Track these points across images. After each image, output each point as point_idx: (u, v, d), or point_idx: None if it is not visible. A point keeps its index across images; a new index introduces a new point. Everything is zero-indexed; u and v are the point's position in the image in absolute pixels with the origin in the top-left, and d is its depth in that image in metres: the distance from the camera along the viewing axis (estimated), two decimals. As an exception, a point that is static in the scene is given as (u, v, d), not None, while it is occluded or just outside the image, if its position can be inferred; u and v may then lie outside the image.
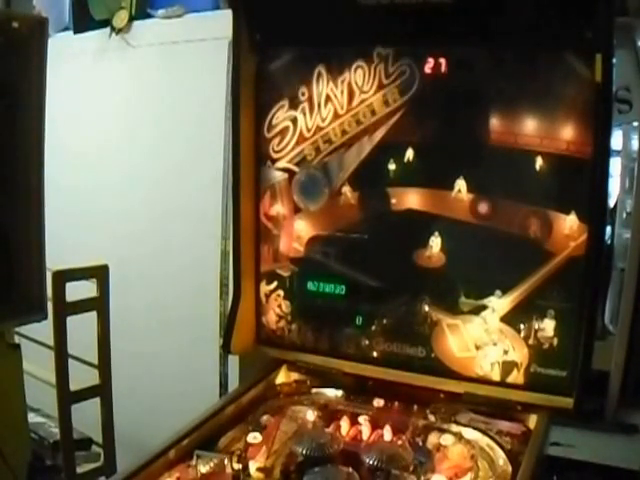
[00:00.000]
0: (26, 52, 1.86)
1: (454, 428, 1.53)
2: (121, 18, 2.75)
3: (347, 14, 1.60)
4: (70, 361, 2.23)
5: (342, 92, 1.68)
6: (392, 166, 1.66)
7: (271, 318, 1.84)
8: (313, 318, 1.80)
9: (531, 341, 1.56)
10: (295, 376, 1.81)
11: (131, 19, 2.76)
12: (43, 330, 2.15)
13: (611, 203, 1.98)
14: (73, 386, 2.23)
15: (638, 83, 1.87)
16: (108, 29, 2.80)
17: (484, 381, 1.61)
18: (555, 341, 1.54)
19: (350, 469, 1.35)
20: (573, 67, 1.47)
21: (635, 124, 1.92)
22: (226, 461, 1.38)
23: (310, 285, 1.79)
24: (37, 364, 2.31)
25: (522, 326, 1.57)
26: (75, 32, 2.95)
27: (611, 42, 1.41)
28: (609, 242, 1.95)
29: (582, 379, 1.49)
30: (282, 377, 1.81)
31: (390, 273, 1.71)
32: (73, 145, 2.90)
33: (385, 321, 1.71)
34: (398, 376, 1.67)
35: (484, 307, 1.60)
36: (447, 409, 1.60)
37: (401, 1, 1.53)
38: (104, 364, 2.32)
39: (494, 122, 1.57)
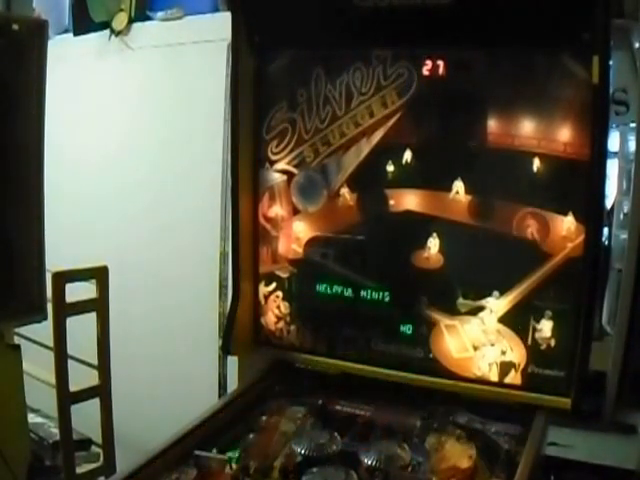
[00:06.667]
0: (26, 54, 1.87)
1: (452, 428, 1.53)
2: (120, 20, 2.76)
3: (345, 16, 1.61)
4: (70, 362, 2.24)
5: (340, 94, 1.69)
6: (390, 168, 1.67)
7: (270, 319, 1.85)
8: (312, 319, 1.81)
9: (529, 342, 1.57)
10: (294, 377, 1.81)
11: (130, 21, 2.78)
12: (43, 331, 2.16)
13: (608, 204, 1.98)
14: (73, 387, 2.24)
15: (635, 85, 1.87)
16: (108, 31, 2.81)
17: (482, 381, 1.61)
18: (553, 342, 1.54)
19: (349, 469, 1.35)
20: (570, 69, 1.47)
21: (632, 125, 1.92)
22: (225, 461, 1.39)
23: (309, 286, 1.79)
24: (37, 365, 2.32)
25: (520, 327, 1.57)
26: (75, 34, 2.97)
27: (608, 44, 1.41)
28: (606, 243, 1.95)
29: (580, 379, 1.49)
30: (281, 378, 1.82)
31: (388, 274, 1.71)
32: (73, 146, 2.91)
33: (383, 322, 1.71)
34: (396, 376, 1.68)
35: (482, 308, 1.61)
36: (445, 409, 1.60)
37: (399, 3, 1.53)
38: (104, 365, 2.33)
39: (492, 124, 1.57)
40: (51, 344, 2.20)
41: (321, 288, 1.77)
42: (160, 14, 2.73)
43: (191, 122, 2.64)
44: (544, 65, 1.50)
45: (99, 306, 2.30)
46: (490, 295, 1.59)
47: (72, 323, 2.21)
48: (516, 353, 1.58)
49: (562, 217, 1.52)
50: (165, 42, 2.71)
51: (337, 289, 1.76)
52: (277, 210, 1.81)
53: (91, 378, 2.33)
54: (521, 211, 1.55)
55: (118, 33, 2.78)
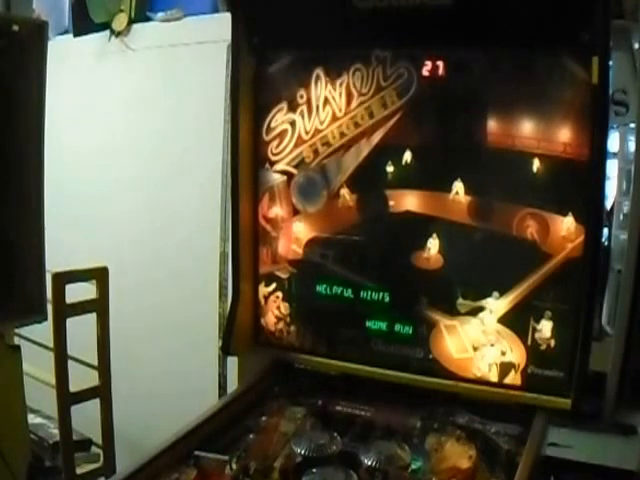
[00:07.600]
0: (26, 55, 1.87)
1: (452, 429, 1.53)
2: (120, 21, 2.76)
3: (345, 16, 1.61)
4: (70, 362, 2.24)
5: (340, 95, 1.69)
6: (390, 168, 1.67)
7: (270, 320, 1.85)
8: (312, 320, 1.81)
9: (528, 342, 1.57)
10: (294, 377, 1.81)
11: (130, 22, 2.78)
12: (43, 331, 2.16)
13: (608, 205, 1.98)
14: (73, 387, 2.25)
15: (635, 85, 1.87)
16: (108, 32, 2.81)
17: (482, 382, 1.61)
18: (552, 342, 1.55)
19: (348, 470, 1.35)
20: (570, 69, 1.47)
21: (632, 126, 1.92)
22: (225, 462, 1.39)
23: (309, 287, 1.79)
24: (37, 365, 2.32)
25: (519, 327, 1.57)
26: (75, 35, 2.97)
27: (608, 45, 1.41)
28: (606, 244, 1.95)
29: (580, 380, 1.49)
30: (281, 378, 1.82)
31: (388, 275, 1.71)
32: (73, 148, 2.91)
33: (383, 322, 1.71)
34: (396, 377, 1.68)
35: (481, 308, 1.61)
36: (445, 410, 1.60)
37: (398, 3, 1.53)
38: (104, 365, 2.33)
39: (492, 124, 1.57)
40: (51, 345, 2.20)
41: (321, 289, 1.78)
42: (160, 15, 2.73)
43: (191, 123, 2.64)
44: (544, 66, 1.50)
45: (99, 307, 2.30)
46: (490, 295, 1.59)
47: (72, 323, 2.21)
48: (516, 353, 1.58)
49: (562, 217, 1.52)
50: (165, 43, 2.71)
51: (337, 289, 1.76)
52: (277, 211, 1.81)
53: (91, 379, 2.33)
54: (521, 212, 1.55)
55: (118, 34, 2.79)
